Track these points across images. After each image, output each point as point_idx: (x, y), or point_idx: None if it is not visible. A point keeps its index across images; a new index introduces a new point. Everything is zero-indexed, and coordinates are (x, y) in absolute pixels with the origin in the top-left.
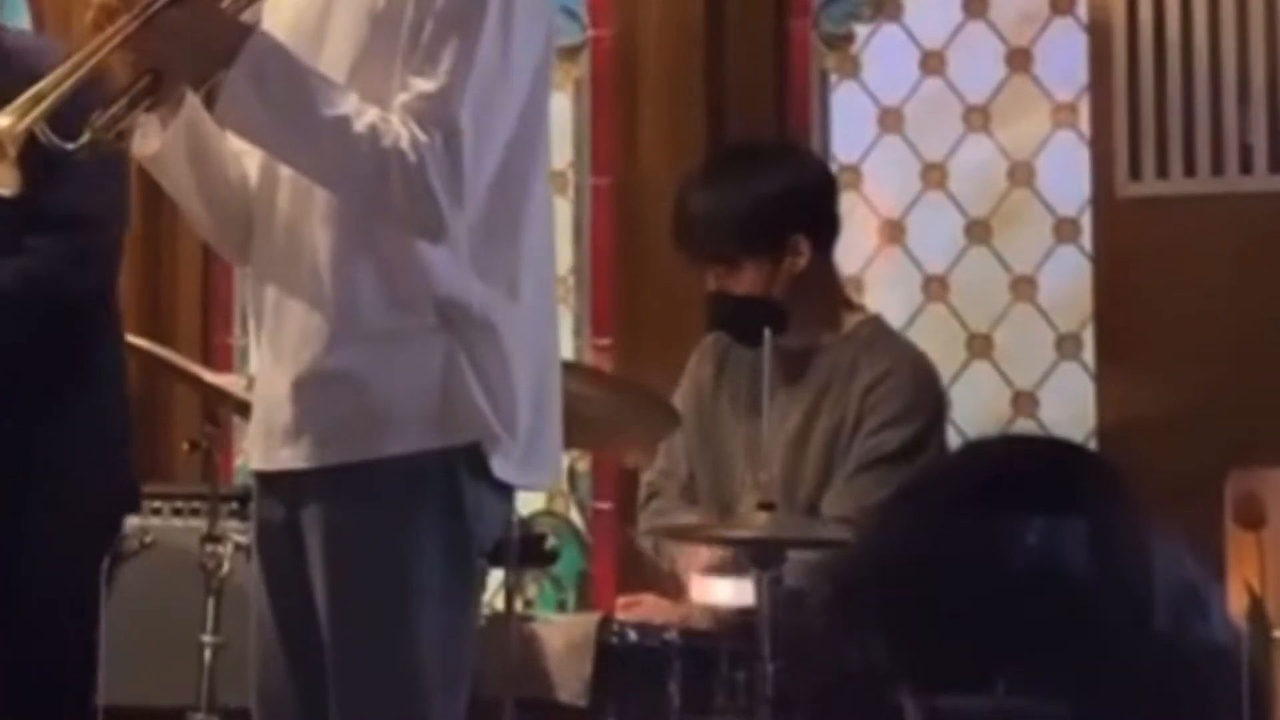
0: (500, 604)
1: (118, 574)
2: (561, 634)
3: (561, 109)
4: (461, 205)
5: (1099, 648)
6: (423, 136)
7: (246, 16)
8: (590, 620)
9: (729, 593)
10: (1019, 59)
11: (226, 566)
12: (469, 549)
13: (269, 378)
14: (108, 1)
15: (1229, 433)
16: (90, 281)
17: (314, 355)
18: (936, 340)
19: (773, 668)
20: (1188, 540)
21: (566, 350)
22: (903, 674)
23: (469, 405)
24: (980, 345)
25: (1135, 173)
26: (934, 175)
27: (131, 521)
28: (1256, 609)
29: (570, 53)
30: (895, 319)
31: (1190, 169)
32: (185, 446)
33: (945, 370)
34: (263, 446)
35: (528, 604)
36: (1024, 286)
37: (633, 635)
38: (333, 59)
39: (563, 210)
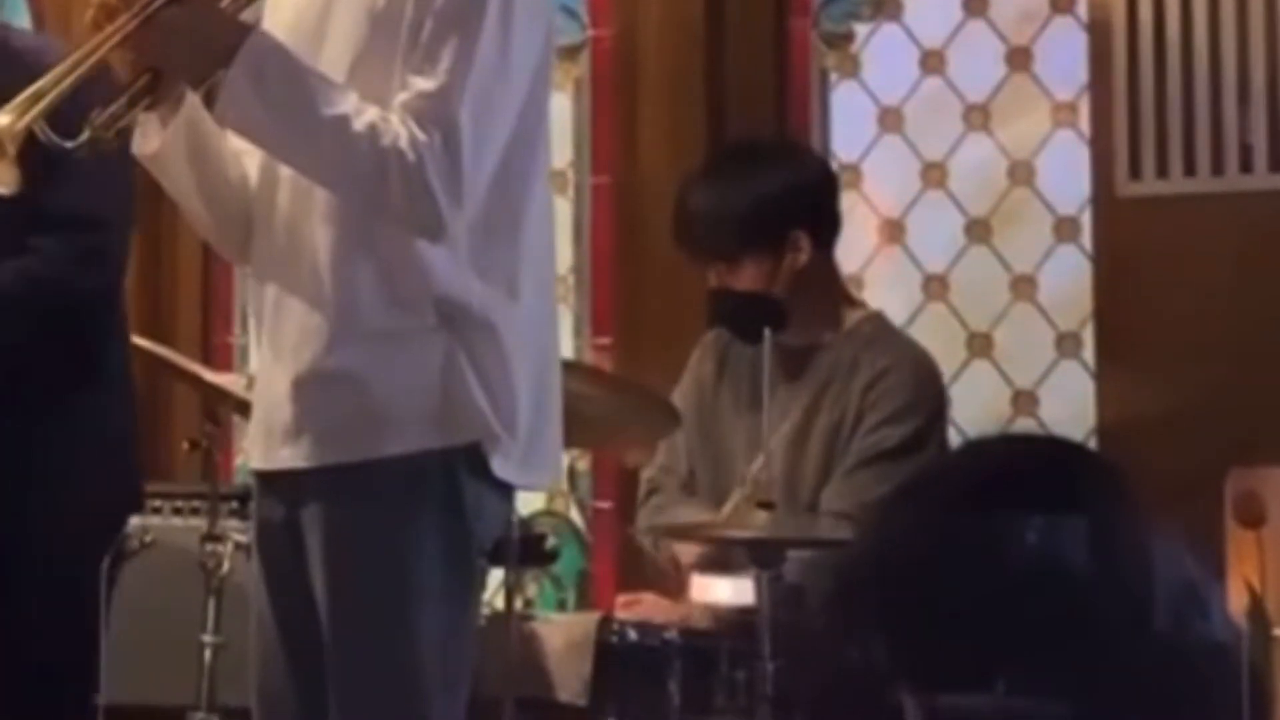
0: (500, 603)
1: (118, 573)
2: (561, 633)
3: (561, 108)
4: (460, 204)
5: (1099, 647)
6: (422, 136)
7: (246, 16)
8: (590, 619)
9: (729, 592)
10: (1019, 58)
11: (227, 566)
12: (469, 548)
13: (269, 377)
14: (107, 0)
15: (1229, 431)
16: (94, 282)
17: (314, 355)
18: (936, 339)
19: (773, 667)
20: (1188, 539)
21: (566, 350)
22: (903, 673)
23: (469, 405)
24: (980, 344)
25: (1135, 172)
26: (934, 174)
27: (131, 521)
28: (1257, 608)
29: (570, 52)
30: (895, 318)
31: (1190, 168)
32: (185, 446)
33: (945, 369)
34: (263, 446)
35: (528, 603)
36: (1024, 286)
37: (633, 634)
38: (333, 58)
39: (563, 210)
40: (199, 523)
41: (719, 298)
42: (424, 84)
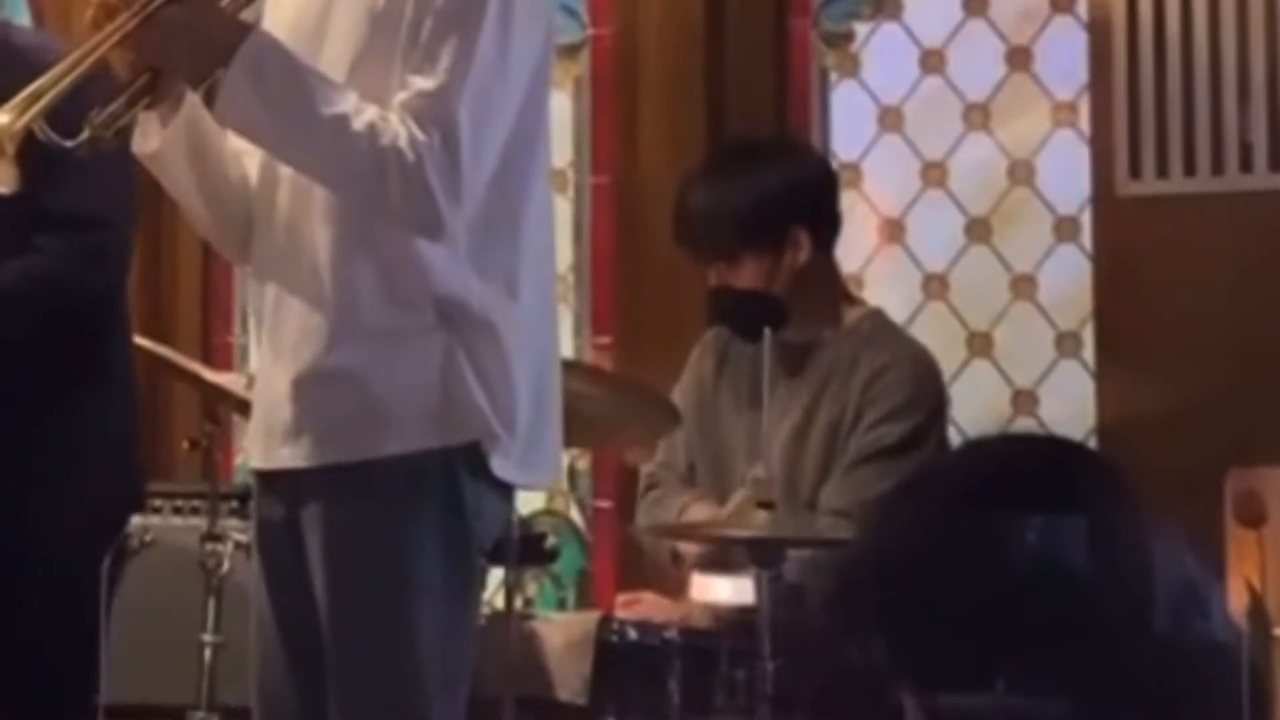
0: (500, 602)
1: (118, 573)
2: (561, 632)
3: (561, 107)
4: (460, 203)
5: (1099, 647)
6: (421, 135)
7: (247, 16)
8: (590, 618)
9: (729, 591)
10: (1019, 57)
11: (227, 565)
12: (469, 548)
13: (269, 376)
14: None
15: (1229, 431)
16: (96, 281)
17: (314, 354)
18: (936, 339)
19: (773, 666)
20: (1188, 539)
21: (566, 349)
22: (903, 673)
23: (469, 404)
24: (980, 344)
25: (1135, 171)
26: (934, 174)
27: (132, 520)
28: (1257, 607)
29: (570, 51)
30: (895, 318)
31: (1190, 168)
32: (185, 445)
33: (945, 369)
34: (263, 445)
35: (528, 602)
36: (1024, 285)
37: (632, 633)
38: (333, 58)
39: (563, 209)
40: (199, 522)
41: (719, 296)
42: (423, 83)
